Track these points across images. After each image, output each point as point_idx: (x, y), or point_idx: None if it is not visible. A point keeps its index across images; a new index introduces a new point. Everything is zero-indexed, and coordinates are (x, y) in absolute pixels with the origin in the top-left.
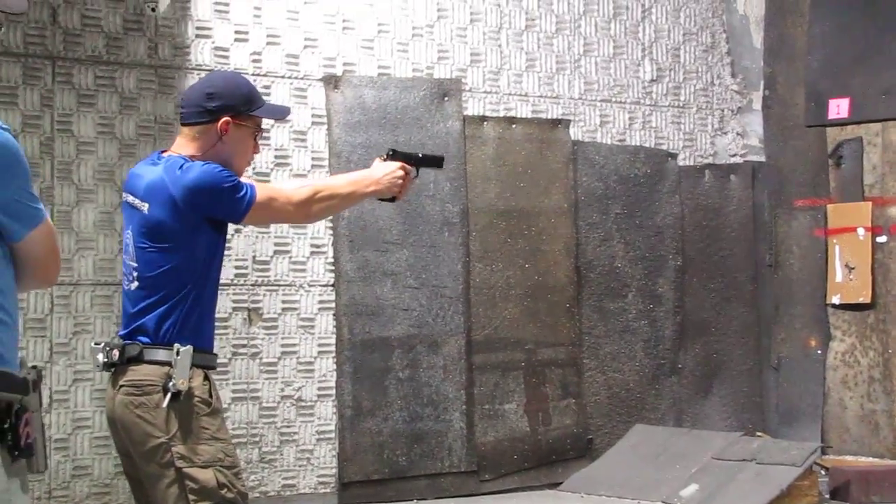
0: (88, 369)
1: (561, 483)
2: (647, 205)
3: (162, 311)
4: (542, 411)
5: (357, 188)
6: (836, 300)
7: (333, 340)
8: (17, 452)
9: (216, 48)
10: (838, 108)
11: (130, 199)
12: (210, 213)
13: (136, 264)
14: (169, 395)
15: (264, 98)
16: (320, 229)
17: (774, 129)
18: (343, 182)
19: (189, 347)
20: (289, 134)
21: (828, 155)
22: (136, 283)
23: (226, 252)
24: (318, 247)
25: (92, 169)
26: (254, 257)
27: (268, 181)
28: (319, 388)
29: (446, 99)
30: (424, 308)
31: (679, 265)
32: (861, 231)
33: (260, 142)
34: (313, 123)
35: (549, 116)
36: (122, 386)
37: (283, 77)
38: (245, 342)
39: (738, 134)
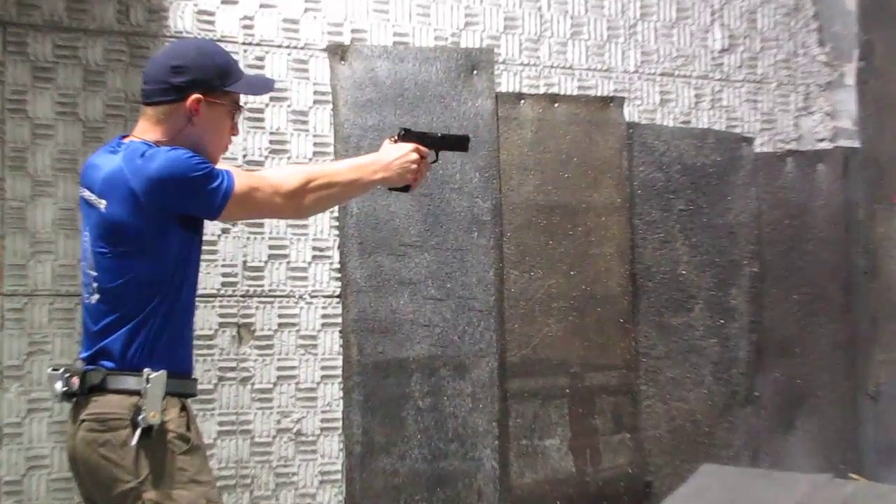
0: (46, 397)
1: None
2: (717, 199)
3: (128, 329)
4: (590, 448)
5: (361, 175)
6: None
7: (340, 362)
8: None
9: (199, 12)
10: None
11: (87, 194)
12: (180, 209)
13: (95, 273)
14: (139, 431)
15: (246, 71)
16: (324, 229)
17: (871, 109)
18: (344, 167)
19: (162, 373)
20: (286, 115)
21: None
22: (96, 296)
23: (212, 256)
24: (321, 250)
25: (50, 157)
26: (244, 263)
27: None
28: (323, 420)
29: (475, 73)
30: (449, 323)
31: (755, 272)
32: None
33: (241, 122)
34: (316, 102)
35: (599, 93)
36: (83, 420)
37: (279, 47)
38: (234, 364)
39: (826, 114)
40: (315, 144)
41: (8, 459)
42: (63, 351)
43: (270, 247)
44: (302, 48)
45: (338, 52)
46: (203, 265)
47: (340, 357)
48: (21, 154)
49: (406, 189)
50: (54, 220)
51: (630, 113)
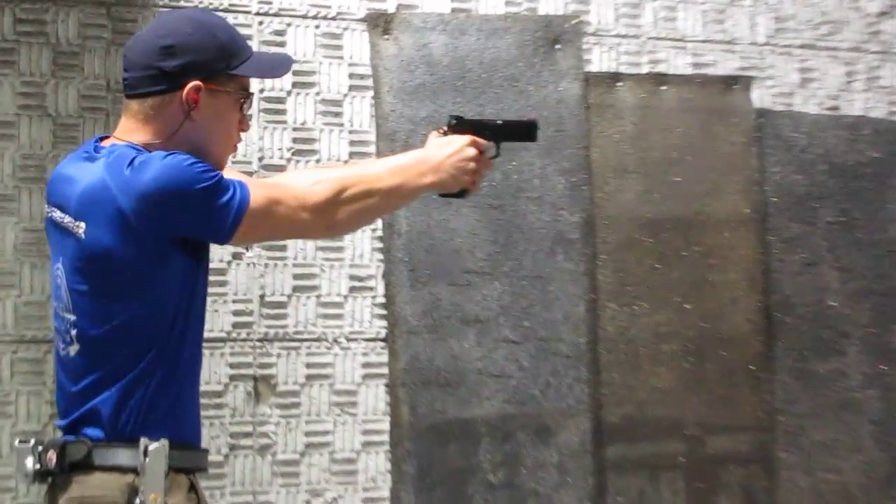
0: (10, 474)
1: None
2: (876, 209)
3: (118, 388)
4: None
5: (406, 179)
6: None
7: (386, 425)
8: None
9: None
10: None
11: (57, 215)
12: (182, 232)
13: (73, 317)
14: None
15: (259, 49)
16: (364, 253)
17: None
18: (384, 171)
19: (163, 443)
20: (314, 105)
21: None
22: (75, 347)
23: (220, 290)
24: (360, 280)
25: (11, 163)
26: (262, 297)
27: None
28: (365, 501)
29: (558, 47)
30: (527, 373)
31: None
32: None
33: (253, 114)
34: (352, 89)
35: (720, 72)
36: None
37: (304, 17)
38: (249, 429)
39: None
40: (352, 143)
41: None
42: (31, 414)
43: (295, 276)
44: (333, 19)
45: (380, 24)
46: (209, 301)
47: (387, 418)
48: None
49: (463, 194)
50: (17, 246)
51: (760, 97)
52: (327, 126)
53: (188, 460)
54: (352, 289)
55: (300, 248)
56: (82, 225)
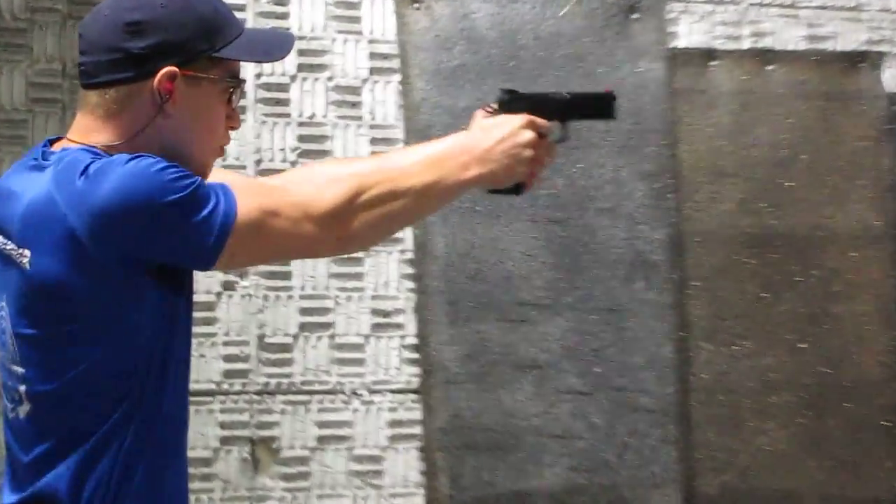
0: None
1: None
2: None
3: (80, 458)
4: None
5: (444, 173)
6: None
7: (421, 501)
8: None
9: None
10: None
11: (0, 240)
12: (151, 256)
13: (21, 369)
14: None
15: (253, 24)
16: (390, 279)
17: None
18: (414, 164)
19: None
20: (325, 94)
21: None
22: (26, 407)
23: (207, 329)
24: (386, 314)
25: None
26: (261, 338)
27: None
28: None
29: (634, 17)
30: (600, 433)
31: None
32: None
33: (244, 107)
34: (373, 72)
35: (842, 48)
36: None
37: None
38: None
39: None
40: (373, 141)
41: None
42: None
43: (303, 311)
44: None
45: None
46: (194, 344)
47: (421, 491)
48: None
49: (518, 191)
50: None
51: (894, 78)
52: (342, 119)
53: None
54: (375, 326)
55: (308, 275)
56: (27, 253)
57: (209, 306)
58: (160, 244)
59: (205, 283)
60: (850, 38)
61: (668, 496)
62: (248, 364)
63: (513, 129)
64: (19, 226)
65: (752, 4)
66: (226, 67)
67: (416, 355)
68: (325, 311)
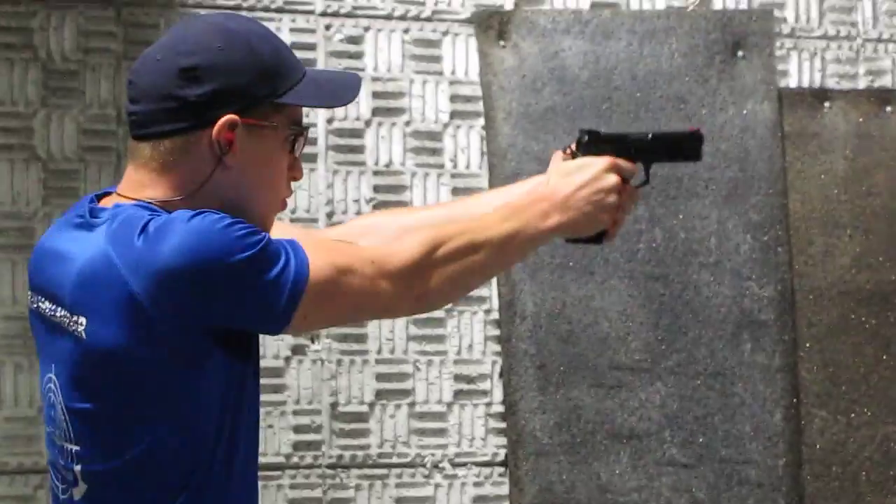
0: None
1: None
2: None
3: None
4: None
5: (523, 223)
6: None
7: None
8: None
9: None
10: None
11: (46, 306)
12: (219, 321)
13: (76, 447)
14: None
15: (318, 61)
16: (474, 342)
17: None
18: (491, 214)
19: None
20: (403, 139)
21: None
22: (81, 488)
23: (274, 397)
24: (469, 380)
25: None
26: (333, 407)
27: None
28: None
29: (740, 54)
30: None
31: None
32: None
33: (306, 155)
34: (455, 115)
35: None
36: None
37: (387, 18)
38: None
39: None
40: (455, 191)
41: None
42: None
43: (380, 377)
44: (428, 20)
45: (493, 26)
46: (262, 413)
47: None
48: None
49: (600, 239)
50: (3, 338)
51: None
52: (421, 168)
53: None
54: (458, 393)
55: (385, 338)
56: (82, 320)
57: (277, 372)
58: (229, 307)
59: (273, 347)
60: None
61: None
62: (319, 435)
63: (596, 174)
64: (72, 290)
65: (867, 40)
66: (288, 114)
67: (502, 424)
68: (403, 376)
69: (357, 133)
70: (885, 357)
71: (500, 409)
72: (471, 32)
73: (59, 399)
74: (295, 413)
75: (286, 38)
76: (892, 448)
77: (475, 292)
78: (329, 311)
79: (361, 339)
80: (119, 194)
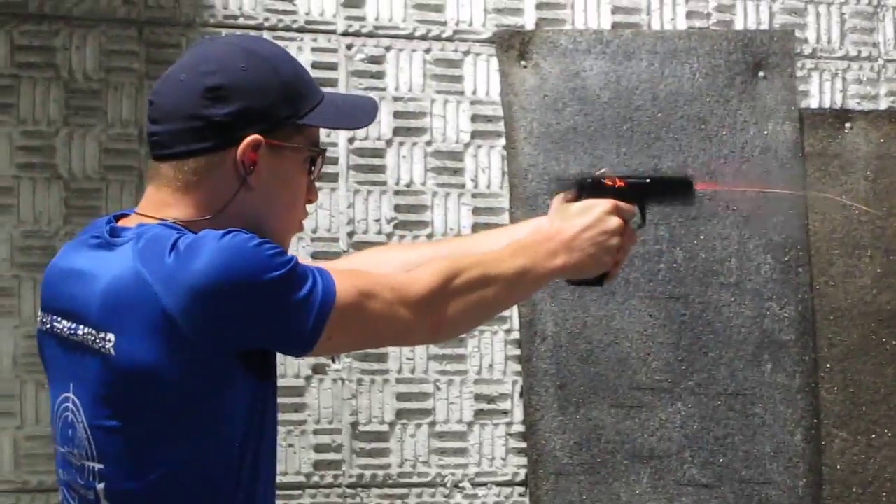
0: None
1: None
2: None
3: None
4: None
5: (533, 261)
6: None
7: None
8: None
9: None
10: None
11: (64, 326)
12: (248, 340)
13: (99, 465)
14: None
15: (340, 81)
16: (495, 362)
17: None
18: (503, 250)
19: None
20: (424, 159)
21: None
22: None
23: (295, 416)
24: (490, 399)
25: (9, 244)
26: (354, 426)
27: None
28: None
29: (762, 75)
30: None
31: None
32: None
33: (325, 174)
34: (476, 135)
35: None
36: None
37: (409, 38)
38: None
39: None
40: (476, 211)
41: None
42: None
43: (400, 396)
44: (450, 40)
45: (514, 46)
46: (281, 433)
47: None
48: None
49: (601, 281)
50: (16, 359)
51: None
52: (442, 187)
53: None
54: (478, 413)
55: (406, 358)
56: (110, 337)
57: (298, 392)
58: (259, 325)
59: (293, 366)
60: None
61: None
62: (340, 454)
63: (599, 216)
64: (98, 308)
65: (889, 61)
66: (308, 135)
67: (523, 444)
68: (424, 396)
69: (378, 153)
70: None
71: (520, 428)
72: (492, 52)
73: (80, 418)
74: (315, 432)
75: (308, 57)
76: None
77: None
78: (353, 334)
79: (382, 358)
80: (140, 214)
